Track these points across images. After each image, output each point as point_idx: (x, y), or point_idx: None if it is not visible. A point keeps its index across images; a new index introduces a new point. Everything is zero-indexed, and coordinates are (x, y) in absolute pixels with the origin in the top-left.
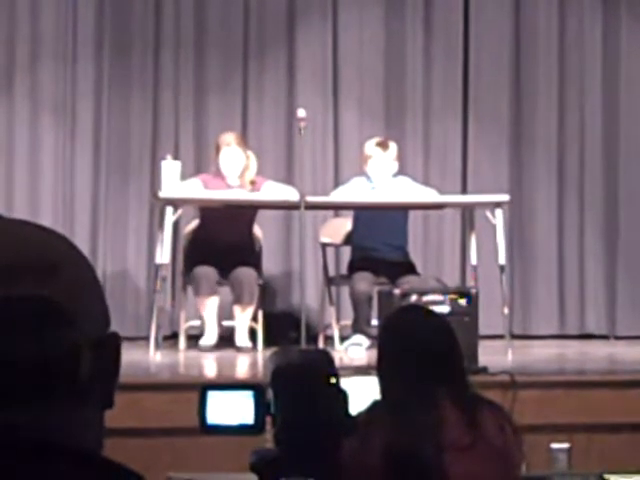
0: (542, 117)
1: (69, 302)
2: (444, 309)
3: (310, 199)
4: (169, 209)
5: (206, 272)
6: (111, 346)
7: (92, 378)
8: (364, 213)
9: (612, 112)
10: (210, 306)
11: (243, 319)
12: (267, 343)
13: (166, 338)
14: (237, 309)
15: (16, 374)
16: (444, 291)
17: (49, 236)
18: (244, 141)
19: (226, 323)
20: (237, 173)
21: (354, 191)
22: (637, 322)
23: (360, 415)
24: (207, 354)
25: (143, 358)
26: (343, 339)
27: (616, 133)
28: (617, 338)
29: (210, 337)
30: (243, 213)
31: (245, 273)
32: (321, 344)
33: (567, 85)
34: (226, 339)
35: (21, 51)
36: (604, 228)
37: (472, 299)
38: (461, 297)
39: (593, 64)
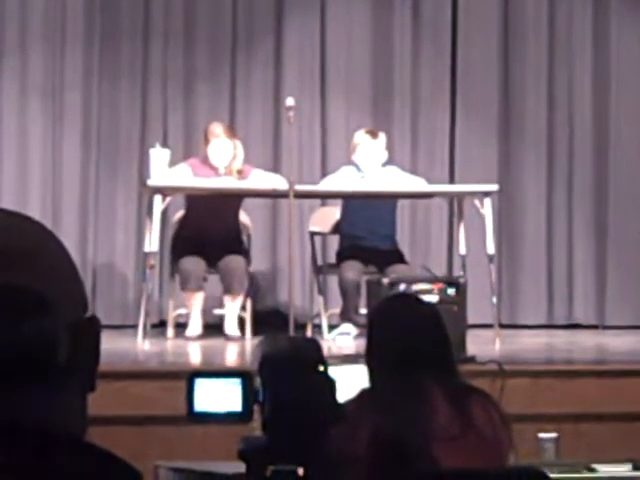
0: (531, 106)
1: (45, 288)
2: (433, 298)
3: (299, 188)
4: (157, 197)
5: (194, 267)
6: (90, 330)
7: (71, 362)
8: (353, 202)
9: (602, 102)
10: (196, 300)
11: (233, 308)
12: (255, 332)
13: (154, 326)
14: (227, 298)
15: None
16: (433, 280)
17: (23, 222)
18: (232, 132)
19: (215, 311)
20: (226, 164)
21: (343, 180)
22: (626, 312)
23: (348, 403)
24: (195, 342)
25: (131, 346)
26: (331, 328)
27: (606, 123)
28: (605, 328)
29: (195, 328)
30: (229, 201)
31: (234, 262)
32: (309, 333)
33: (556, 75)
34: (215, 327)
35: (10, 37)
36: (593, 218)
37: (460, 288)
38: (449, 286)
39: (583, 54)
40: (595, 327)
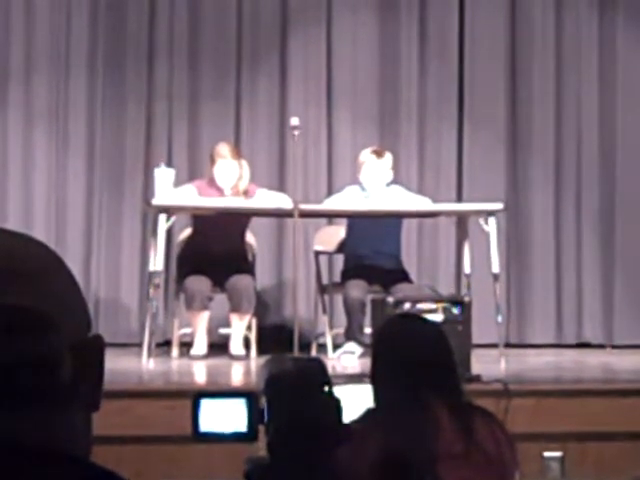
0: (538, 124)
1: (47, 308)
2: (437, 317)
3: (304, 207)
4: (162, 216)
5: (199, 286)
6: (93, 349)
7: (75, 381)
8: (357, 221)
9: (609, 117)
10: (201, 320)
11: (240, 327)
12: (260, 351)
13: (159, 345)
14: (234, 317)
15: None
16: (437, 299)
17: (26, 243)
18: (238, 152)
19: (221, 331)
20: (232, 184)
21: (348, 199)
22: (634, 331)
23: (353, 423)
24: (200, 362)
25: (136, 365)
26: (336, 347)
27: (613, 139)
28: (614, 347)
29: (200, 348)
30: (236, 221)
31: (243, 281)
32: (314, 352)
33: (564, 90)
34: (220, 347)
35: (15, 61)
36: (601, 236)
37: (465, 307)
38: (454, 305)
39: (590, 68)
40: (602, 346)
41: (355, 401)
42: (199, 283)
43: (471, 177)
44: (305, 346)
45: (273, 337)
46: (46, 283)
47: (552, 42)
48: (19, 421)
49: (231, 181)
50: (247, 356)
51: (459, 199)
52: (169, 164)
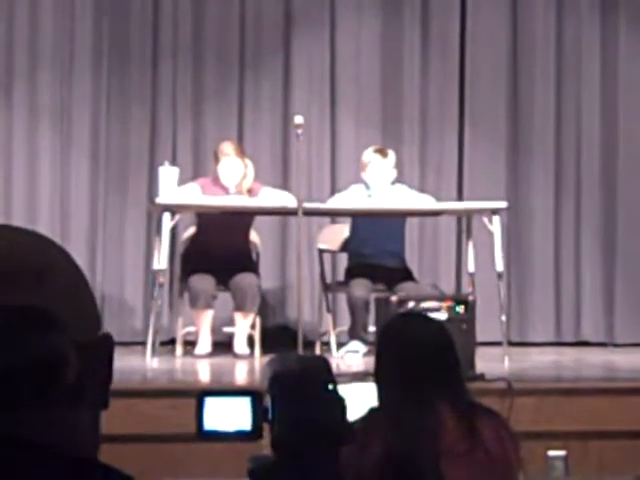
0: (539, 124)
1: (56, 307)
2: (441, 316)
3: (308, 205)
4: (166, 215)
5: (203, 285)
6: (102, 348)
7: (83, 380)
8: (361, 220)
9: (610, 119)
10: (205, 318)
11: (244, 326)
12: (264, 350)
13: (163, 344)
14: (238, 316)
15: (2, 380)
16: (441, 298)
17: (36, 241)
18: (242, 150)
19: (225, 329)
20: (236, 182)
21: (351, 198)
22: (634, 330)
23: (358, 422)
24: (204, 360)
25: (140, 364)
26: (340, 345)
27: (614, 140)
28: (614, 346)
29: (204, 346)
30: (240, 219)
31: (247, 279)
32: (318, 351)
33: (565, 92)
34: (224, 345)
35: (20, 60)
36: (601, 235)
37: (469, 306)
38: (458, 304)
39: (591, 71)
40: (603, 345)
41: (359, 400)
42: (203, 282)
43: (472, 178)
44: (309, 345)
45: (277, 336)
46: (51, 280)
47: (553, 44)
48: (20, 421)
49: (235, 179)
50: (251, 355)
51: (460, 198)
52: (173, 162)
